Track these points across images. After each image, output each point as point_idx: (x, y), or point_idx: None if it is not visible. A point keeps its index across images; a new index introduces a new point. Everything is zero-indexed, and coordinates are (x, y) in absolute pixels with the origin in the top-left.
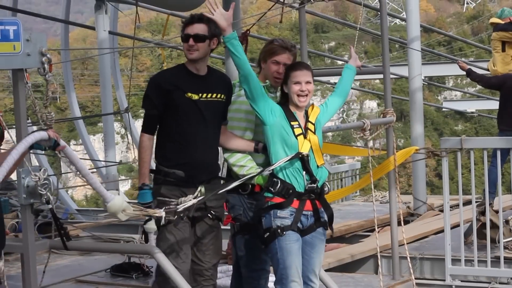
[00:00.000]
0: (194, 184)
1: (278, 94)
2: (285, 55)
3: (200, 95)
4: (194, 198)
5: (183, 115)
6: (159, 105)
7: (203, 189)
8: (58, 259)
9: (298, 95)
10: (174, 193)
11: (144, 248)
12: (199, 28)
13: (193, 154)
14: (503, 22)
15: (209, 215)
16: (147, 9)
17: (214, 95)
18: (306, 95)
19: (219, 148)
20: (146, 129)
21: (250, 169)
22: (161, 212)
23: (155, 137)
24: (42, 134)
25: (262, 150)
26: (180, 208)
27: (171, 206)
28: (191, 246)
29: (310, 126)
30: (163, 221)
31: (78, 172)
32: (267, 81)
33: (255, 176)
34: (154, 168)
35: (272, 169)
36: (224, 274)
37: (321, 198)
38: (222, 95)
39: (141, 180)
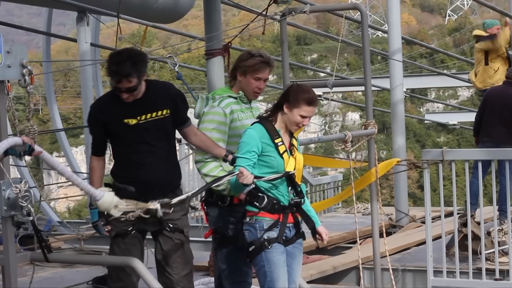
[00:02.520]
0: (146, 200)
1: (254, 105)
2: (267, 71)
3: (138, 118)
4: (144, 213)
5: (123, 140)
6: (99, 133)
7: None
8: (40, 271)
9: (298, 125)
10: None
11: (124, 260)
12: (129, 82)
13: (139, 174)
14: (486, 35)
15: (167, 228)
16: (129, 21)
17: (155, 114)
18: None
19: (174, 162)
20: (93, 151)
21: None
22: (155, 204)
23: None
24: (16, 140)
25: (231, 162)
26: (175, 201)
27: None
28: (159, 260)
29: (294, 142)
30: (160, 213)
31: (61, 176)
32: (240, 92)
33: (221, 180)
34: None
35: (256, 184)
36: (206, 286)
37: (299, 210)
38: (166, 111)
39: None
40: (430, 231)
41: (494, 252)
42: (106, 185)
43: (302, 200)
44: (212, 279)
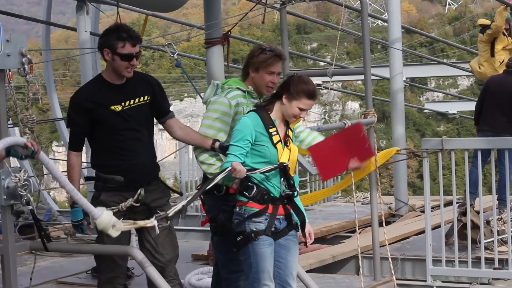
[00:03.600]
0: (134, 187)
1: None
2: (279, 64)
3: (123, 104)
4: (135, 202)
5: (111, 127)
6: (83, 123)
7: (142, 192)
8: (39, 260)
9: (295, 117)
10: (114, 199)
11: (125, 249)
12: (137, 48)
13: (128, 159)
14: (490, 23)
15: (155, 215)
16: (128, 10)
17: (137, 100)
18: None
19: (153, 149)
20: (72, 146)
21: (218, 168)
22: (153, 222)
23: (84, 148)
24: (17, 140)
25: (219, 149)
26: (171, 213)
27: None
28: (147, 248)
29: (290, 133)
30: (157, 231)
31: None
32: (249, 86)
33: (215, 180)
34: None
35: (247, 174)
36: (206, 275)
37: (291, 202)
38: (146, 97)
39: (72, 197)
40: (430, 220)
41: (493, 241)
42: (90, 178)
43: (295, 193)
44: (211, 268)
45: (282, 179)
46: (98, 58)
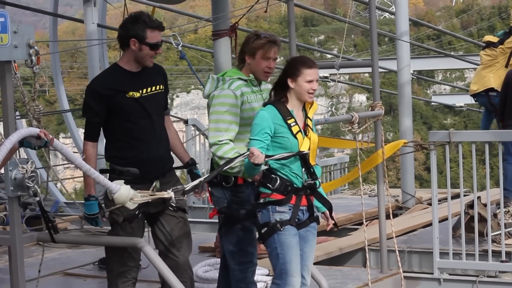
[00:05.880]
0: (149, 180)
1: (263, 87)
2: (275, 49)
3: (141, 91)
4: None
5: (128, 115)
6: (101, 111)
7: (158, 184)
8: (46, 252)
9: (309, 93)
10: None
11: (131, 241)
12: (160, 36)
13: (143, 150)
14: (496, 41)
15: (170, 208)
16: (135, 1)
17: (154, 88)
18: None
19: (168, 140)
20: (89, 136)
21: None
22: (170, 193)
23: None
24: (31, 131)
25: (188, 172)
26: (188, 187)
27: (176, 188)
28: (162, 242)
29: (309, 122)
30: (173, 202)
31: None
32: (250, 75)
33: (233, 162)
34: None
35: (269, 165)
36: (212, 267)
37: (315, 193)
38: (161, 86)
39: (86, 191)
40: (437, 213)
41: (500, 234)
42: (105, 171)
43: (317, 182)
44: (219, 260)
45: (303, 168)
46: (105, 50)
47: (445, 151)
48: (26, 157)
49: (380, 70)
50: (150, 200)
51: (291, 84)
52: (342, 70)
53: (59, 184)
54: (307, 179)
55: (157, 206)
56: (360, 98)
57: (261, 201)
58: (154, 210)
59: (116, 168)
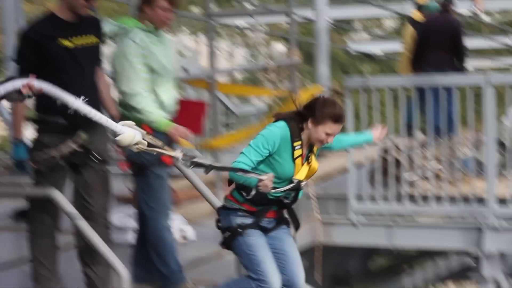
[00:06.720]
0: (75, 130)
1: (164, 38)
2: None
3: (74, 40)
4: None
5: (59, 65)
6: (35, 60)
7: (84, 135)
8: None
9: (321, 142)
10: (56, 142)
11: (44, 192)
12: None
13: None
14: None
15: (94, 160)
16: None
17: (88, 39)
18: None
19: (100, 93)
20: None
21: (159, 116)
22: (178, 153)
23: None
24: (15, 84)
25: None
26: (197, 159)
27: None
28: (78, 191)
29: (315, 149)
30: (180, 162)
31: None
32: (150, 25)
33: (246, 174)
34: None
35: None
36: (127, 215)
37: (288, 210)
38: (96, 38)
39: (15, 134)
40: (352, 158)
41: (416, 178)
42: (32, 120)
43: (293, 205)
44: (133, 208)
45: (292, 193)
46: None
47: (362, 97)
48: None
49: (297, 18)
50: (154, 153)
51: (310, 124)
52: (259, 19)
53: None
54: (286, 199)
55: (82, 158)
56: (278, 47)
57: (226, 204)
58: (79, 161)
59: (41, 117)
